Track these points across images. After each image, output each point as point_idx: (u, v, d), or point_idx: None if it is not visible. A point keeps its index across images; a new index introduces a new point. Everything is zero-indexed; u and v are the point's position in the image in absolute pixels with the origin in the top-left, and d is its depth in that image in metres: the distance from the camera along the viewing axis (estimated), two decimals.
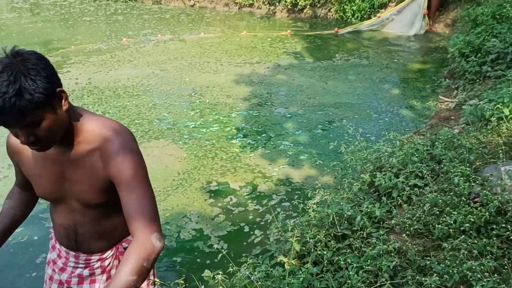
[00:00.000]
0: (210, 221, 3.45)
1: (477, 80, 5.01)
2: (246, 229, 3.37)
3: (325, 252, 2.24)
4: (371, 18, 9.11)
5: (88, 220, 1.62)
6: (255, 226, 3.38)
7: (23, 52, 1.32)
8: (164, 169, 4.16)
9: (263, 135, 4.80)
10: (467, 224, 2.15)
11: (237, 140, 4.69)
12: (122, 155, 1.46)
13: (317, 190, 2.72)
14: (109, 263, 1.70)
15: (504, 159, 2.68)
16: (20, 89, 1.25)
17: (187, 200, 3.72)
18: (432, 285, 1.86)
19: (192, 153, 4.44)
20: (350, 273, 2.01)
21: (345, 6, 9.30)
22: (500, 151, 2.72)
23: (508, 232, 2.08)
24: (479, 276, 1.83)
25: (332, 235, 2.41)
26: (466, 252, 2.00)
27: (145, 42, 8.11)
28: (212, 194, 3.79)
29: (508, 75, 4.25)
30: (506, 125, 3.15)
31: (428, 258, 2.16)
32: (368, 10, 9.14)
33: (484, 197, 2.31)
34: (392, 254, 2.15)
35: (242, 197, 3.74)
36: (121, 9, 10.85)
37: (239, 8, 10.51)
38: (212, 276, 1.92)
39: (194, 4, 10.95)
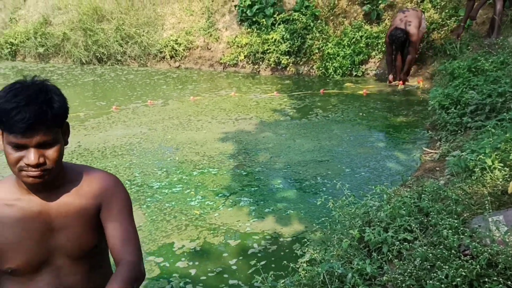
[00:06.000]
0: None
1: (459, 131, 5.12)
2: None
3: None
4: (352, 74, 9.41)
5: (77, 278, 1.55)
6: None
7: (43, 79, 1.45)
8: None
9: (220, 194, 4.71)
10: (459, 279, 2.12)
11: (196, 202, 4.59)
12: (112, 189, 1.57)
13: (307, 248, 2.68)
14: None
15: (491, 210, 2.69)
16: (51, 98, 1.38)
17: (162, 268, 3.63)
18: None
19: (150, 218, 4.33)
20: None
21: (327, 64, 9.58)
22: (486, 201, 2.73)
23: (500, 285, 2.05)
24: None
25: None
26: None
27: (138, 104, 8.19)
28: (189, 258, 3.71)
29: (488, 126, 4.35)
30: (490, 176, 3.18)
31: None
32: (349, 66, 9.43)
33: (474, 249, 2.29)
34: None
35: (224, 258, 3.66)
36: (108, 72, 11.04)
37: (223, 68, 10.77)
38: None
39: (179, 66, 11.20)
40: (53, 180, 1.46)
